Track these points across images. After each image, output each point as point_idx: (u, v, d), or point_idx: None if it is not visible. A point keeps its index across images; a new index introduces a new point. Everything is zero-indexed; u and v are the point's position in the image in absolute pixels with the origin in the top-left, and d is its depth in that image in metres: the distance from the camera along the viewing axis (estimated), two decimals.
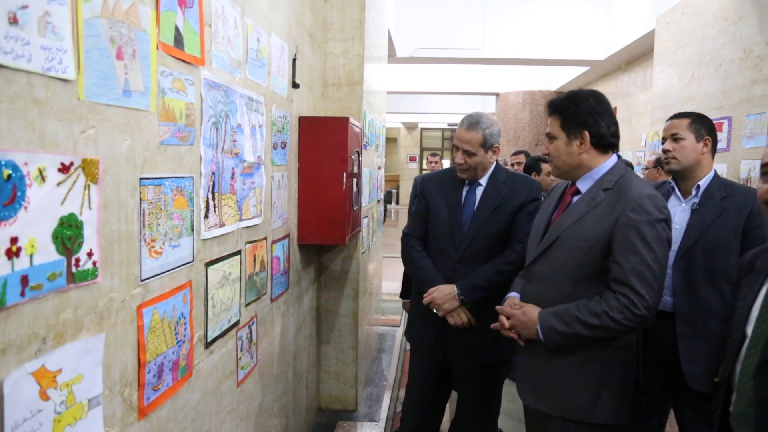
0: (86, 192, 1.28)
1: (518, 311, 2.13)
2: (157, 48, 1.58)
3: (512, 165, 5.98)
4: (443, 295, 2.62)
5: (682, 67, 5.36)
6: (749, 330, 1.61)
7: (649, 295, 1.91)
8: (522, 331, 2.11)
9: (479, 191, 2.70)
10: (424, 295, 2.66)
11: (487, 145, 2.63)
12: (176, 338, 1.73)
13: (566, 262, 2.05)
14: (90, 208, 1.29)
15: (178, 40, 1.70)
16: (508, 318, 2.16)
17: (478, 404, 2.75)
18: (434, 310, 2.65)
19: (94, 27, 1.29)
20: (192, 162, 1.82)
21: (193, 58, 1.80)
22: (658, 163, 5.04)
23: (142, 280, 1.53)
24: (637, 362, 2.12)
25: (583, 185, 2.11)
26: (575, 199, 2.13)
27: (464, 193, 2.71)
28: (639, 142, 7.99)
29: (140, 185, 1.51)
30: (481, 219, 2.65)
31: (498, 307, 2.23)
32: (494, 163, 2.73)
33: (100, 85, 1.32)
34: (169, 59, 1.65)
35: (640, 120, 8.40)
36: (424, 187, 2.83)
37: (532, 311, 2.09)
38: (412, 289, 2.92)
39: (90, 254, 1.30)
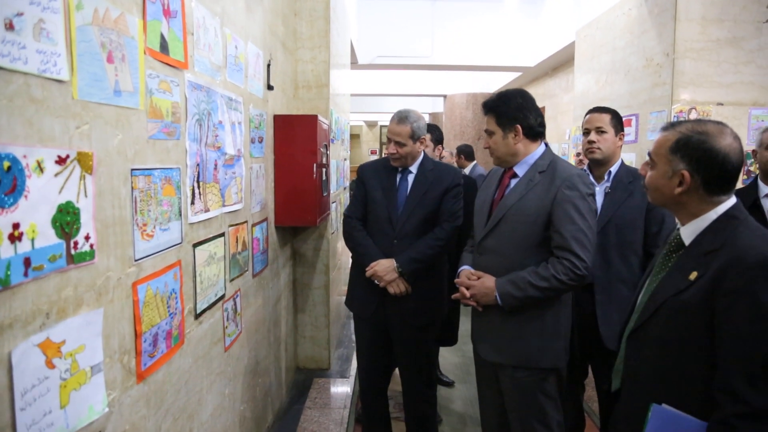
0: (82, 182, 1.22)
1: (477, 282, 2.12)
2: (145, 53, 1.52)
3: (454, 160, 6.02)
4: (384, 268, 2.58)
5: (597, 72, 5.43)
6: (639, 299, 1.62)
7: (587, 257, 1.96)
8: (481, 299, 2.10)
9: (411, 178, 2.68)
10: (367, 269, 2.61)
11: (415, 137, 2.61)
12: (168, 311, 1.68)
13: (514, 236, 2.06)
14: (86, 196, 1.23)
15: (164, 46, 1.63)
16: (467, 289, 2.14)
17: (416, 360, 2.74)
18: (376, 282, 2.61)
19: (86, 33, 1.23)
20: (178, 154, 1.76)
21: (178, 63, 1.74)
22: None
23: (136, 260, 1.48)
24: (572, 317, 2.16)
25: (520, 170, 2.13)
26: (513, 181, 2.14)
27: (398, 179, 2.69)
28: (564, 135, 8.10)
29: (131, 175, 1.46)
30: (413, 202, 2.63)
31: (457, 280, 2.21)
32: (422, 154, 2.72)
33: (93, 86, 1.26)
34: (155, 63, 1.59)
35: (564, 117, 8.50)
36: (363, 174, 2.78)
37: (489, 281, 2.09)
38: (352, 265, 2.88)
39: (87, 238, 1.24)
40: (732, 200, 1.44)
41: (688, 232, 1.47)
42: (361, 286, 2.73)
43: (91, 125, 1.26)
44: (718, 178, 1.41)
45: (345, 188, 5.27)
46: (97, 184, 1.29)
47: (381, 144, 24.27)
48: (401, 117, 2.63)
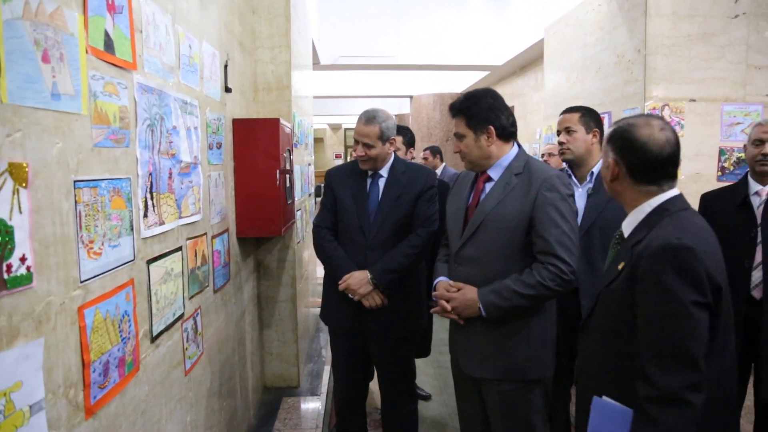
0: (15, 196, 1.11)
1: (457, 294, 2.09)
2: (87, 52, 1.42)
3: (423, 159, 5.99)
4: (357, 280, 2.53)
5: (568, 70, 5.48)
6: None
7: (572, 261, 1.95)
8: (464, 311, 2.07)
9: (382, 182, 2.64)
10: (340, 282, 2.56)
11: (384, 137, 2.57)
12: (121, 336, 1.58)
13: (494, 243, 2.04)
14: (20, 212, 1.13)
15: (109, 45, 1.53)
16: (448, 302, 2.11)
17: (395, 374, 2.70)
18: (350, 295, 2.56)
19: (16, 29, 1.12)
20: (128, 163, 1.67)
21: (125, 63, 1.64)
22: None
23: (81, 282, 1.38)
24: (557, 323, 2.15)
25: (495, 173, 2.11)
26: (489, 186, 2.12)
27: (368, 184, 2.65)
28: (534, 135, 8.17)
29: (75, 188, 1.35)
30: (386, 208, 2.59)
31: (436, 294, 2.17)
32: (392, 155, 2.67)
33: (26, 88, 1.15)
34: (99, 63, 1.49)
35: (534, 116, 8.58)
36: (331, 180, 2.73)
37: (471, 292, 2.05)
38: (325, 276, 2.82)
39: (23, 259, 1.14)
40: (669, 193, 1.52)
41: (627, 224, 1.58)
42: (335, 299, 2.67)
43: (25, 132, 1.16)
44: (640, 167, 1.51)
45: (310, 195, 5.21)
46: (33, 199, 1.18)
47: (346, 147, 24.23)
48: (369, 117, 2.57)
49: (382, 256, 2.56)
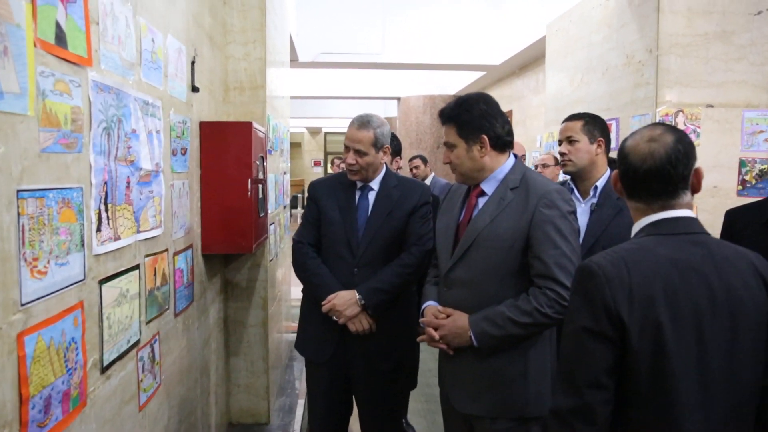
0: None
1: (446, 321, 2.08)
2: (35, 45, 1.40)
3: (411, 170, 6.01)
4: (344, 301, 2.52)
5: (572, 71, 5.54)
6: None
7: None
8: (453, 340, 2.07)
9: (372, 196, 2.65)
10: (323, 303, 2.55)
11: (378, 145, 2.58)
12: (66, 366, 1.55)
13: (487, 264, 2.04)
14: None
15: (60, 38, 1.52)
16: (436, 329, 2.10)
17: (381, 411, 2.68)
18: (334, 318, 2.55)
19: None
20: (80, 171, 1.65)
21: (79, 58, 1.63)
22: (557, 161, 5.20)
23: (22, 305, 1.35)
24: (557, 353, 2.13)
25: (488, 186, 2.12)
26: (482, 201, 2.13)
27: (357, 197, 2.66)
28: (534, 143, 8.22)
29: (18, 198, 1.33)
30: (376, 223, 2.60)
31: (423, 320, 2.17)
32: (384, 167, 2.69)
33: None
34: (49, 58, 1.48)
35: (534, 122, 8.65)
36: (315, 191, 2.74)
37: (461, 319, 2.05)
38: (303, 299, 2.80)
39: None
40: (661, 215, 1.48)
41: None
42: (315, 324, 2.66)
43: None
44: (623, 180, 1.53)
45: (285, 207, 5.20)
46: None
47: (326, 154, 24.24)
48: (363, 121, 2.59)
49: (371, 276, 2.56)
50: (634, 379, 1.37)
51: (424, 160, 5.98)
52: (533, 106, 8.85)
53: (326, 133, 24.33)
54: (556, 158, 5.21)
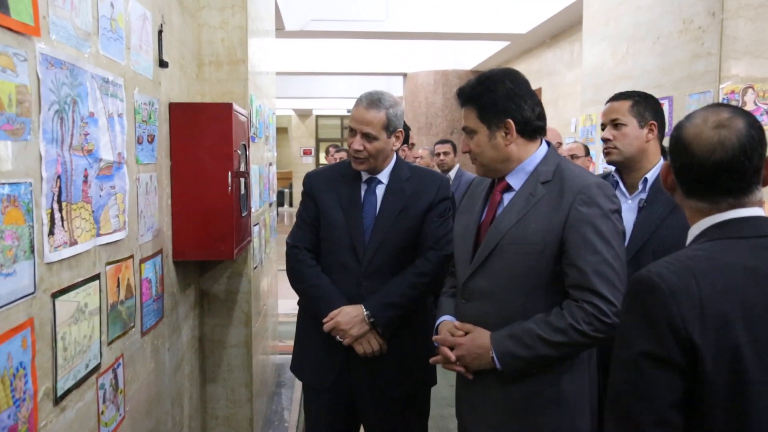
0: None
1: (464, 339, 2.09)
2: None
3: (437, 155, 6.01)
4: (350, 318, 2.54)
5: (615, 40, 5.53)
6: None
7: (616, 298, 1.94)
8: (472, 362, 2.08)
9: (380, 190, 2.67)
10: (325, 320, 2.56)
11: (391, 128, 2.60)
12: (13, 396, 1.55)
13: (512, 273, 2.05)
14: None
15: (2, 3, 1.52)
16: (452, 349, 2.11)
17: None
18: (338, 338, 2.57)
19: None
20: (28, 163, 1.65)
21: (24, 27, 1.62)
22: (587, 151, 5.20)
23: None
24: (599, 379, 2.15)
25: (515, 180, 2.13)
26: (507, 197, 2.14)
27: (362, 192, 2.68)
28: (568, 127, 8.22)
29: None
30: (385, 224, 2.62)
31: (437, 338, 2.18)
32: (395, 156, 2.71)
33: None
34: None
35: (568, 102, 8.66)
36: (311, 186, 2.76)
37: (482, 337, 2.06)
38: (300, 314, 2.82)
39: None
40: (729, 214, 1.46)
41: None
42: (314, 345, 2.68)
43: None
44: (684, 175, 1.51)
45: (271, 204, 5.20)
46: None
47: (318, 141, 24.32)
48: (372, 100, 2.59)
49: (381, 287, 2.58)
50: (707, 416, 1.33)
51: (454, 147, 5.96)
52: (567, 83, 8.85)
53: (318, 116, 24.40)
54: (586, 148, 5.21)
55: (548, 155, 2.13)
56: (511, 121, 2.08)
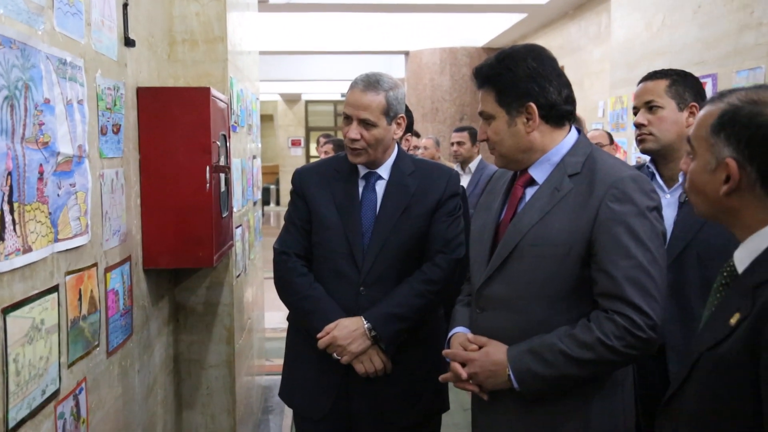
0: None
1: (478, 354, 2.09)
2: None
3: (452, 145, 6.00)
4: (348, 332, 2.54)
5: (650, 11, 5.52)
6: None
7: (653, 309, 1.93)
8: (486, 380, 2.07)
9: (380, 187, 2.69)
10: (319, 335, 2.56)
11: (391, 113, 2.61)
12: None
13: (533, 278, 2.05)
14: None
15: None
16: (463, 364, 2.11)
17: None
18: (335, 356, 2.56)
19: None
20: None
21: None
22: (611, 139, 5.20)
23: None
24: (636, 404, 2.16)
25: (539, 173, 2.14)
26: (530, 192, 2.15)
27: (360, 190, 2.69)
28: (595, 111, 8.23)
29: None
30: (387, 225, 2.63)
31: (448, 352, 2.18)
32: (396, 147, 2.72)
33: None
34: None
35: (595, 82, 8.66)
36: (301, 183, 2.77)
37: (498, 352, 2.05)
38: (290, 330, 2.82)
39: None
40: None
41: (743, 256, 1.54)
42: (307, 365, 2.68)
43: None
44: None
45: (255, 203, 5.21)
46: None
47: (308, 130, 24.36)
48: (370, 81, 2.61)
49: (384, 297, 2.58)
50: None
51: (474, 136, 5.93)
52: (594, 60, 8.84)
53: (307, 102, 24.44)
54: (609, 135, 5.20)
55: (578, 144, 2.13)
56: (533, 104, 2.07)
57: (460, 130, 6.11)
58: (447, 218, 2.66)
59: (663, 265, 2.01)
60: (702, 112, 1.58)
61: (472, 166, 5.92)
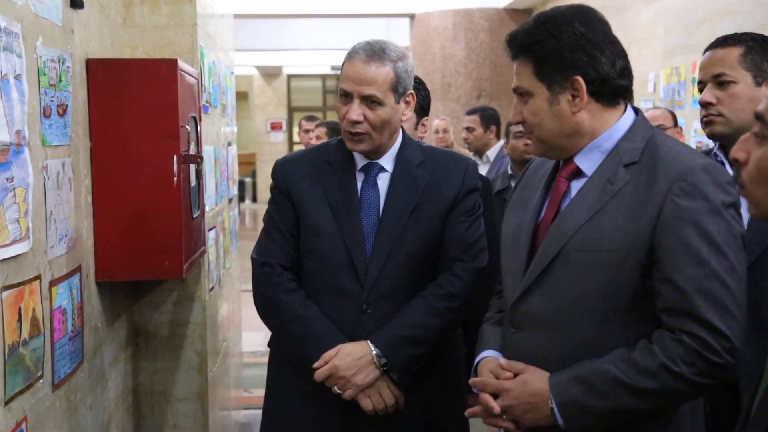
0: None
1: (513, 383, 2.09)
2: None
3: (463, 130, 6.01)
4: (352, 360, 2.53)
5: None
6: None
7: (730, 328, 1.92)
8: (524, 414, 2.07)
9: (383, 181, 2.69)
10: (317, 365, 2.54)
11: (400, 89, 2.61)
12: None
13: (581, 291, 2.05)
14: None
15: None
16: (495, 396, 2.10)
17: None
18: (335, 390, 2.55)
19: None
20: None
21: None
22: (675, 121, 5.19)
23: None
24: None
25: (587, 162, 2.14)
26: (576, 184, 2.15)
27: (359, 185, 2.69)
28: (644, 86, 8.23)
29: None
30: (394, 228, 2.63)
31: (476, 380, 2.18)
32: (400, 133, 2.72)
33: None
34: None
35: (644, 50, 8.65)
36: (285, 177, 2.75)
37: (538, 380, 2.05)
38: (272, 357, 2.83)
39: None
40: None
41: None
42: (299, 402, 2.68)
43: None
44: None
45: (231, 200, 5.22)
46: None
47: (290, 111, 24.43)
48: (374, 50, 2.60)
49: (392, 316, 2.58)
50: None
51: (487, 119, 5.92)
52: (642, 22, 8.85)
53: (290, 77, 24.51)
54: (673, 115, 5.18)
55: (635, 126, 2.12)
56: (580, 78, 2.06)
57: (471, 112, 6.12)
58: (466, 218, 2.65)
59: (742, 274, 1.99)
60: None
61: (491, 153, 5.91)
